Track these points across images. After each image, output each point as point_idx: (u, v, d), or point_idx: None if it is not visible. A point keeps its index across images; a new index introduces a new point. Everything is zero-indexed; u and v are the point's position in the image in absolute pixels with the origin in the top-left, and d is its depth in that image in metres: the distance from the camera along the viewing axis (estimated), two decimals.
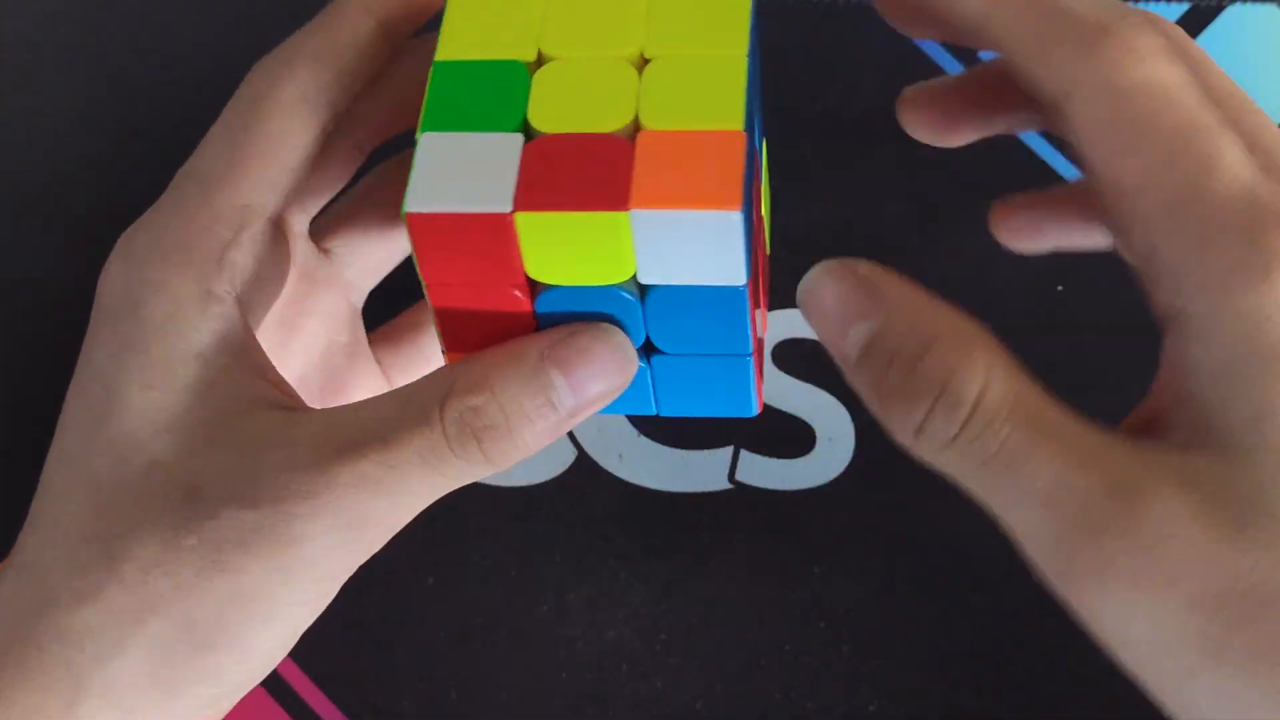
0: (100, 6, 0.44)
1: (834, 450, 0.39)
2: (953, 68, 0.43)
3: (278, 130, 0.29)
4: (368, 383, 0.35)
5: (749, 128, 0.28)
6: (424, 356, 0.36)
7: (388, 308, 0.37)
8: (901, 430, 0.26)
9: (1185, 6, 0.43)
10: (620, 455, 0.40)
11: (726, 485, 0.39)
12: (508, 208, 0.26)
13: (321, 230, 0.35)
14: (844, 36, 0.43)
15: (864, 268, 0.26)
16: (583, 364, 0.28)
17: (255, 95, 0.30)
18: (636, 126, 0.28)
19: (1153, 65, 0.25)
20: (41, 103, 0.43)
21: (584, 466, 0.40)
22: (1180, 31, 0.27)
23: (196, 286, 0.28)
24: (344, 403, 0.33)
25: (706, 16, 0.29)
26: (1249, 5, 0.44)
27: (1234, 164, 0.25)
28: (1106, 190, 0.25)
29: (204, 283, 0.28)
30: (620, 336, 0.28)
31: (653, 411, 0.31)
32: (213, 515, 0.27)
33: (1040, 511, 0.24)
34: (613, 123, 0.27)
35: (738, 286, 0.28)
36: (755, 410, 0.31)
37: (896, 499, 0.39)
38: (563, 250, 0.27)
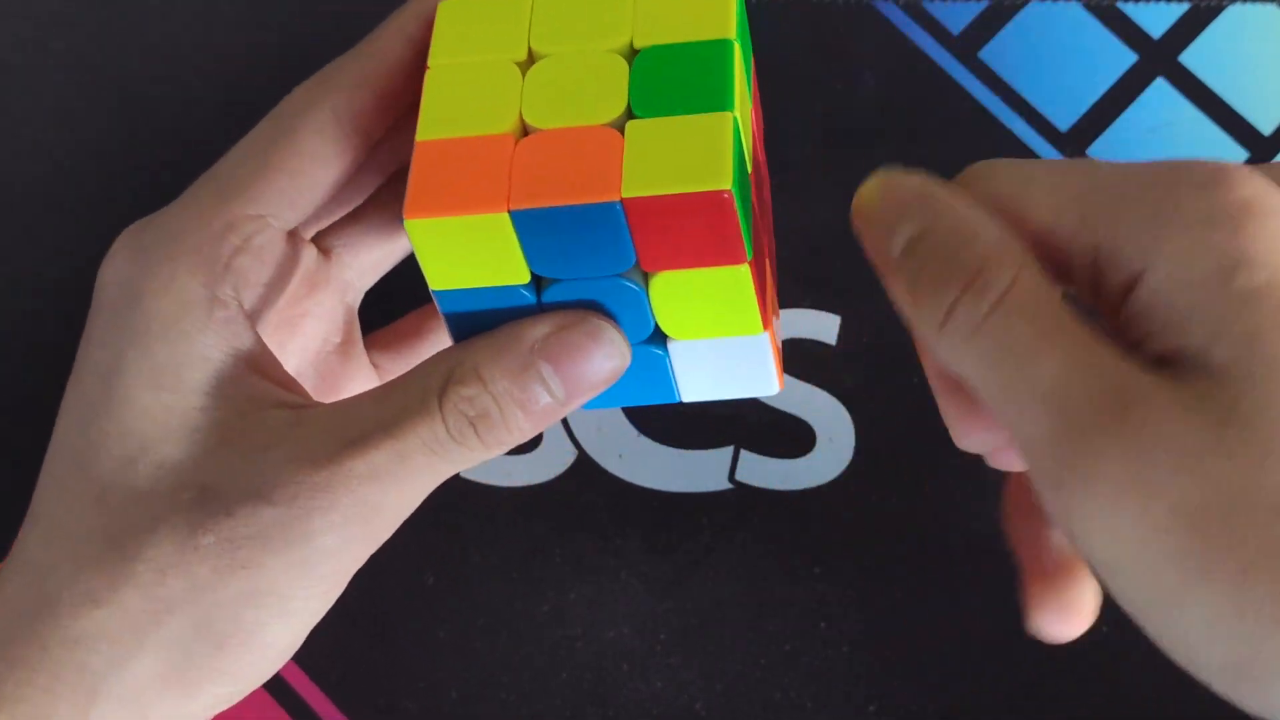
0: (102, 8, 0.44)
1: (834, 450, 0.39)
2: (953, 68, 0.43)
3: (309, 150, 0.29)
4: (361, 383, 0.35)
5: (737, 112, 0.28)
6: (419, 360, 0.36)
7: (385, 313, 0.37)
8: (930, 319, 0.26)
9: (1185, 7, 0.43)
10: (620, 455, 0.40)
11: (726, 485, 0.39)
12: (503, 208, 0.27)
13: (323, 231, 0.35)
14: (844, 36, 0.43)
15: (917, 178, 0.27)
16: (575, 360, 0.28)
17: (291, 113, 0.30)
18: (629, 116, 0.28)
19: None
20: (42, 104, 0.43)
21: (584, 466, 0.40)
22: None
23: (204, 290, 0.28)
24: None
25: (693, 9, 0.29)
26: (1249, 5, 0.44)
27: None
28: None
29: (210, 287, 0.28)
30: (613, 332, 0.29)
31: (676, 399, 0.31)
32: (229, 513, 0.27)
33: (1041, 408, 0.24)
34: (604, 115, 0.28)
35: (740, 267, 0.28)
36: (777, 387, 0.31)
37: (896, 499, 0.39)
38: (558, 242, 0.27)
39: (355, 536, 0.28)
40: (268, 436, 0.28)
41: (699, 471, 0.39)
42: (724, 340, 0.30)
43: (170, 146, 0.41)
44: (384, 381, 0.36)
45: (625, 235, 0.27)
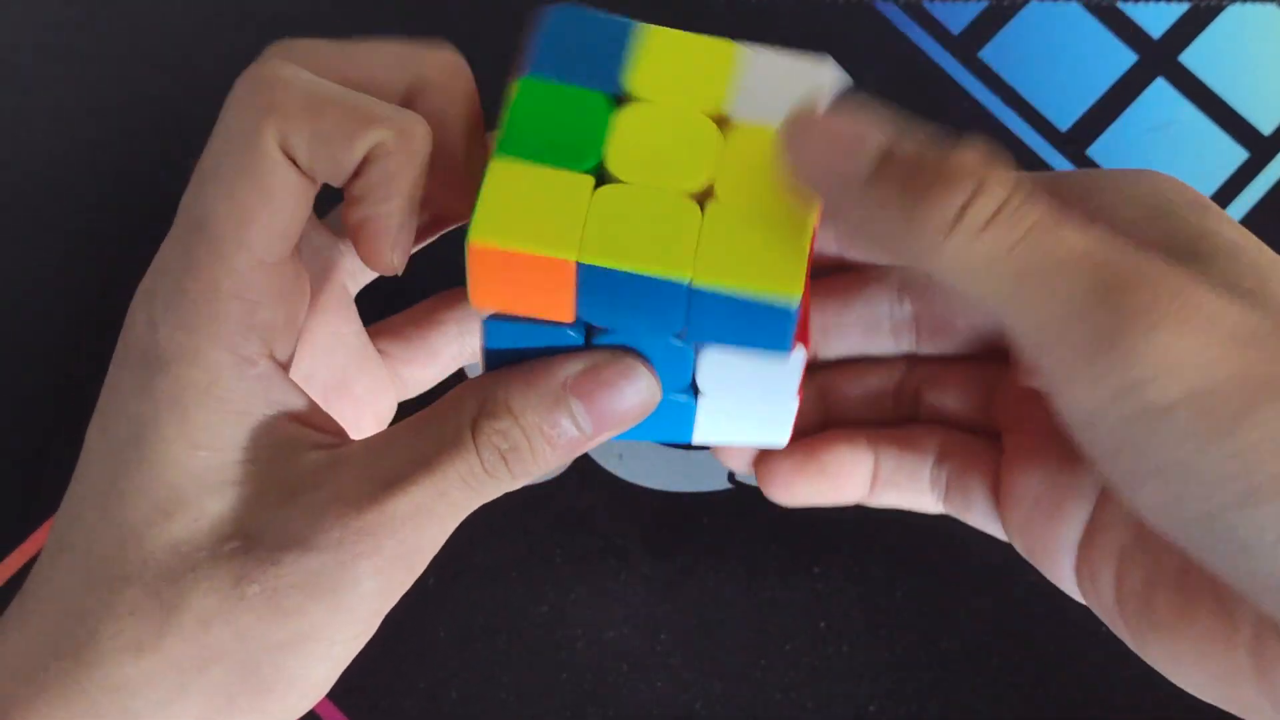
0: (102, 8, 0.44)
1: None
2: (952, 68, 0.43)
3: (276, 185, 0.28)
4: (373, 373, 0.35)
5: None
6: (432, 351, 0.36)
7: (390, 303, 0.37)
8: (938, 223, 0.25)
9: (1185, 6, 0.43)
10: (620, 455, 0.40)
11: (726, 485, 0.39)
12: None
13: (337, 219, 0.34)
14: (844, 36, 0.43)
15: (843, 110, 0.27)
16: (605, 398, 0.28)
17: (242, 133, 0.28)
18: (709, 191, 0.27)
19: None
20: (42, 104, 0.43)
21: (584, 466, 0.40)
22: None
23: (230, 355, 0.28)
24: (351, 398, 0.34)
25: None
26: (1249, 5, 0.44)
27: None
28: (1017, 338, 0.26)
29: (236, 350, 0.28)
30: (644, 370, 0.29)
31: (688, 440, 0.31)
32: (275, 562, 0.27)
33: (1075, 280, 0.25)
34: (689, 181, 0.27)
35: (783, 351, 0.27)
36: (787, 440, 0.31)
37: None
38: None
39: (396, 578, 0.28)
40: (306, 482, 0.28)
41: (699, 471, 0.39)
42: (750, 400, 0.30)
43: (170, 146, 0.41)
44: (395, 371, 0.36)
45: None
